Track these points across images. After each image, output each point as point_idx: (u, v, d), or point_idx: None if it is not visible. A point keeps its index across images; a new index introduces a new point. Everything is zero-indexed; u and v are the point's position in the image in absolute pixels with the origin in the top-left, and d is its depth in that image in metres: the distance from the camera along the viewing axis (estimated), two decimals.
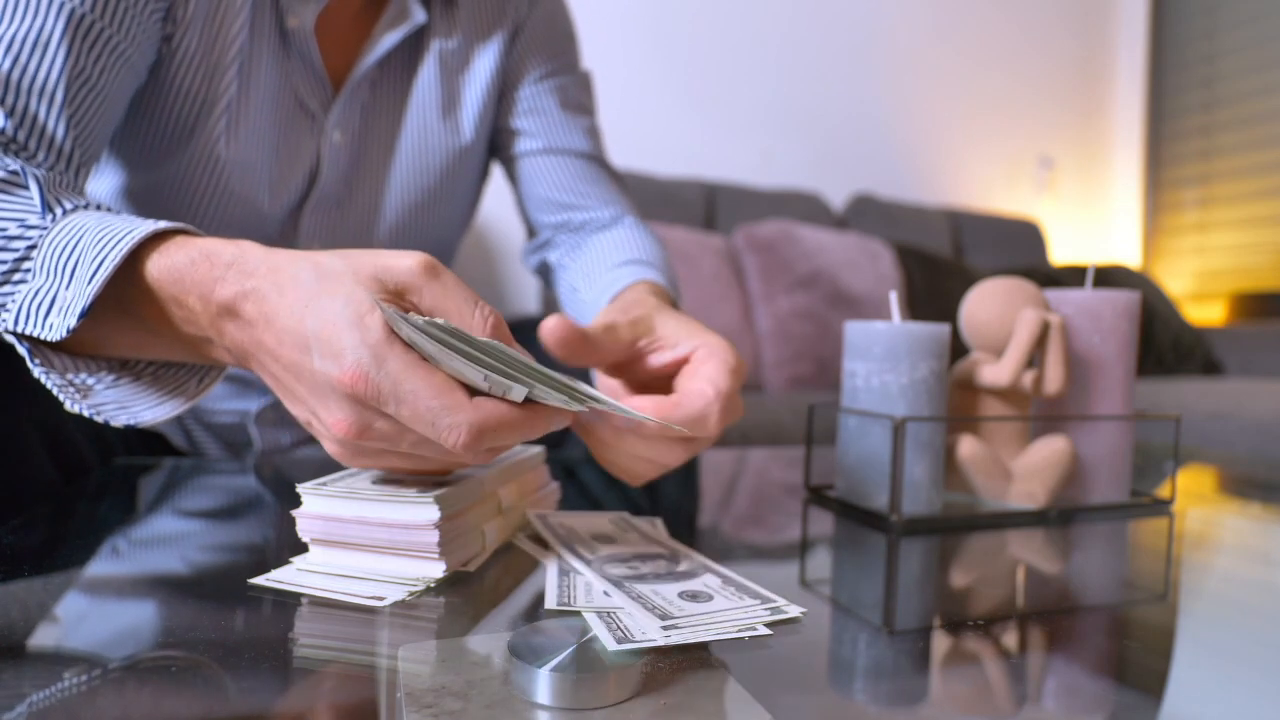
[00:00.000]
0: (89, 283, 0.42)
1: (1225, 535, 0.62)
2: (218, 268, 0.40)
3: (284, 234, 0.73)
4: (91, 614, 0.36)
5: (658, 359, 0.48)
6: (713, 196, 2.26)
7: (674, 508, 0.60)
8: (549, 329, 0.43)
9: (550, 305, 1.95)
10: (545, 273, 0.87)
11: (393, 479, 0.42)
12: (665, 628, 0.32)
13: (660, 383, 0.49)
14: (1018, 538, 0.54)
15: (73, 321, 0.42)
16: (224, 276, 0.39)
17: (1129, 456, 0.63)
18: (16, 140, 0.52)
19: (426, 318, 0.35)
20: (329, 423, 0.36)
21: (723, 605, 0.36)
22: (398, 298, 0.37)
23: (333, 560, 0.40)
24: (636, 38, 2.33)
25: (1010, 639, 0.37)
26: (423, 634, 0.34)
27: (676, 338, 0.48)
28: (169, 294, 0.42)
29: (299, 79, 0.69)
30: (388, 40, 0.71)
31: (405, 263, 0.37)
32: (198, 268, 0.41)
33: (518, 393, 0.35)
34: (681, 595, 0.36)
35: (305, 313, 0.36)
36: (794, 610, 0.36)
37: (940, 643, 0.36)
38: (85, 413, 0.45)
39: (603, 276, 0.74)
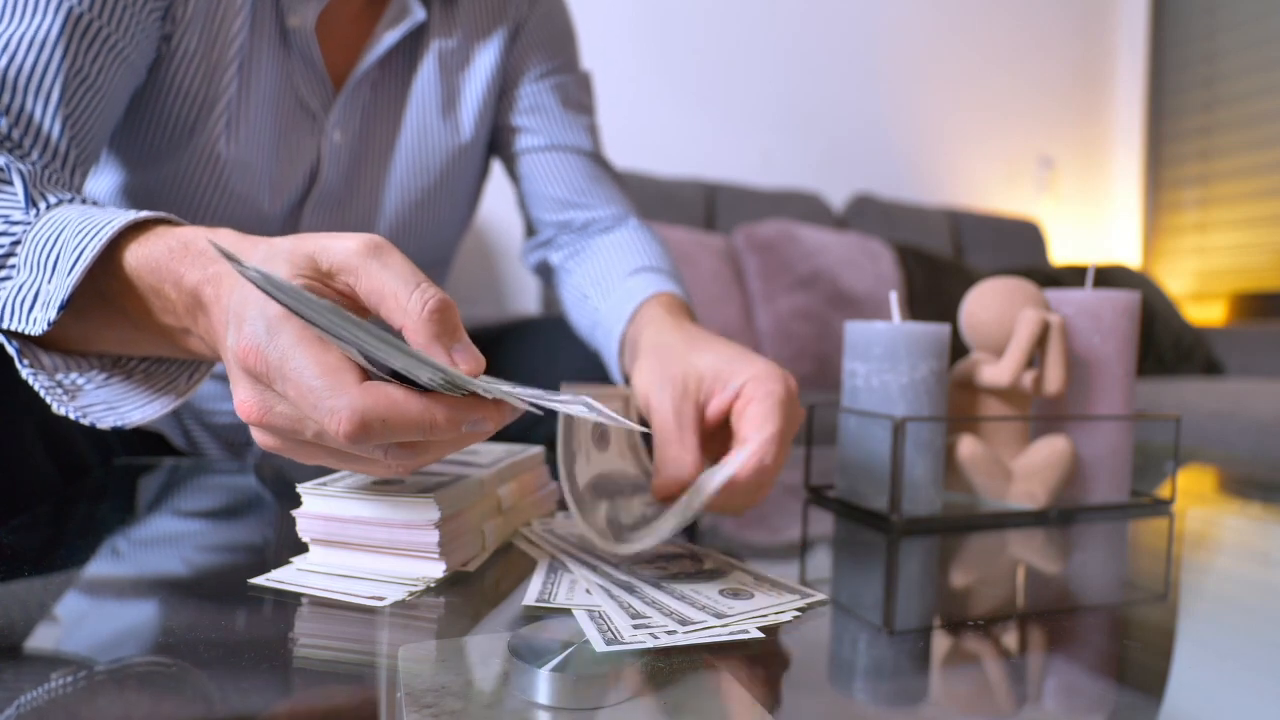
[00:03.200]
0: (68, 274, 0.41)
1: (1225, 535, 0.61)
2: (190, 255, 0.39)
3: (284, 233, 0.72)
4: (91, 614, 0.36)
5: (713, 408, 0.48)
6: (713, 196, 2.26)
7: None
8: (667, 494, 0.45)
9: (550, 305, 1.95)
10: (546, 272, 0.87)
11: (393, 479, 0.42)
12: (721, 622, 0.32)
13: (721, 428, 0.49)
14: (1018, 538, 0.54)
15: (53, 314, 0.42)
16: (194, 263, 0.39)
17: (1129, 456, 0.63)
18: (11, 138, 0.52)
19: (292, 284, 0.31)
20: (236, 404, 0.34)
21: (765, 602, 0.36)
22: (328, 278, 0.35)
23: (333, 560, 0.40)
24: (637, 38, 2.33)
25: (1010, 639, 0.37)
26: (423, 634, 0.34)
27: (719, 375, 0.48)
28: (148, 284, 0.41)
29: (299, 78, 0.69)
30: (388, 39, 0.71)
31: (345, 243, 0.34)
32: (174, 256, 0.40)
33: (397, 368, 0.30)
34: (723, 593, 0.37)
35: (238, 285, 0.35)
36: (820, 595, 0.37)
37: (940, 643, 0.36)
38: (72, 415, 0.44)
39: (617, 286, 0.73)
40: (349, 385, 0.31)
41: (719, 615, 0.34)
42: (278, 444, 0.35)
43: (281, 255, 0.35)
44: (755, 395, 0.46)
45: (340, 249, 0.34)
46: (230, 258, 0.29)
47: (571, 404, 0.34)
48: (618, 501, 0.45)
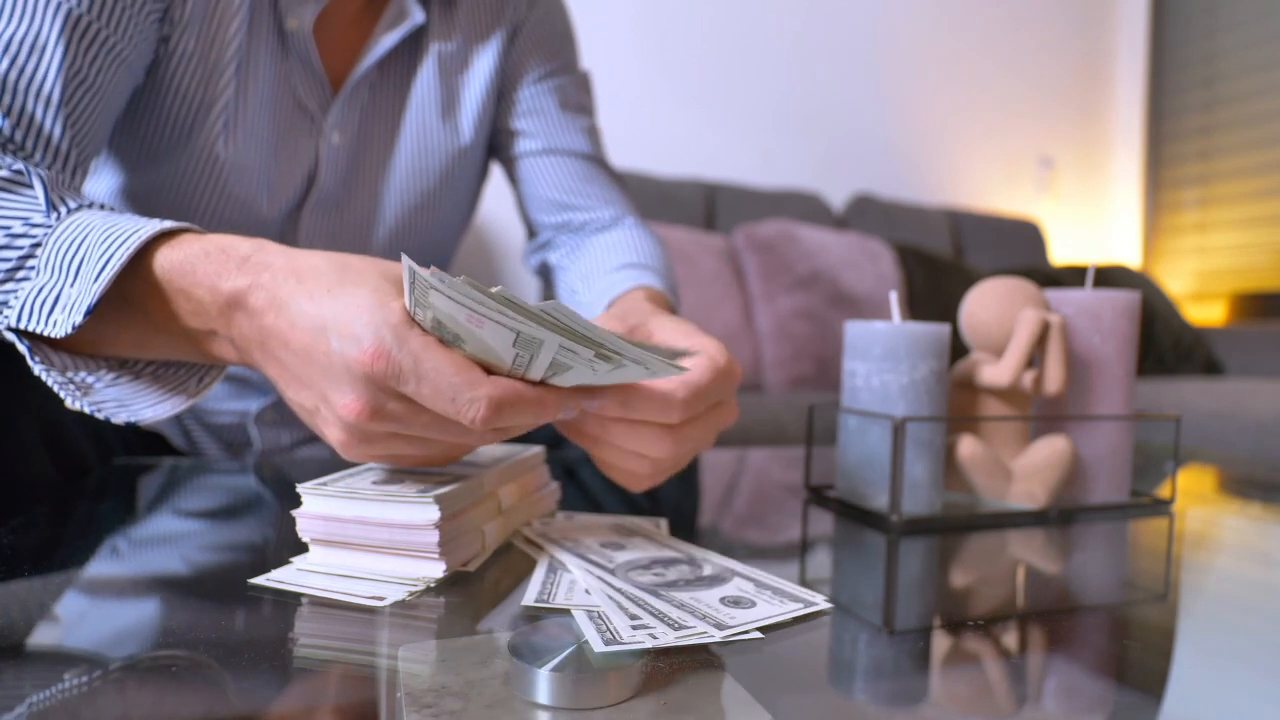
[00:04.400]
0: (95, 280, 0.42)
1: (1225, 535, 0.62)
2: (232, 260, 0.41)
3: (283, 236, 0.73)
4: (91, 614, 0.36)
5: None
6: (713, 196, 2.26)
7: (675, 508, 0.60)
8: None
9: None
10: (546, 273, 0.87)
11: (393, 479, 0.42)
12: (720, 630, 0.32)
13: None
14: (1018, 538, 0.54)
15: (78, 318, 0.42)
16: (239, 269, 0.41)
17: (1129, 456, 0.63)
18: (14, 140, 0.53)
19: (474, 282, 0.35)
20: (339, 405, 0.37)
21: (768, 611, 0.36)
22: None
23: (333, 560, 0.40)
24: (637, 38, 2.33)
25: (1010, 639, 0.37)
26: (423, 634, 0.34)
27: (670, 340, 0.48)
28: (177, 287, 0.43)
29: (298, 80, 0.69)
30: (386, 41, 0.71)
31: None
32: (211, 260, 0.42)
33: (545, 355, 0.35)
34: (724, 601, 0.36)
35: (325, 298, 0.37)
36: (822, 602, 0.37)
37: (940, 643, 0.36)
38: (86, 409, 0.45)
39: (601, 280, 0.74)
40: (482, 379, 0.36)
41: (720, 626, 0.33)
42: (359, 439, 0.38)
43: (372, 271, 0.39)
44: (704, 357, 0.45)
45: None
46: (437, 276, 0.33)
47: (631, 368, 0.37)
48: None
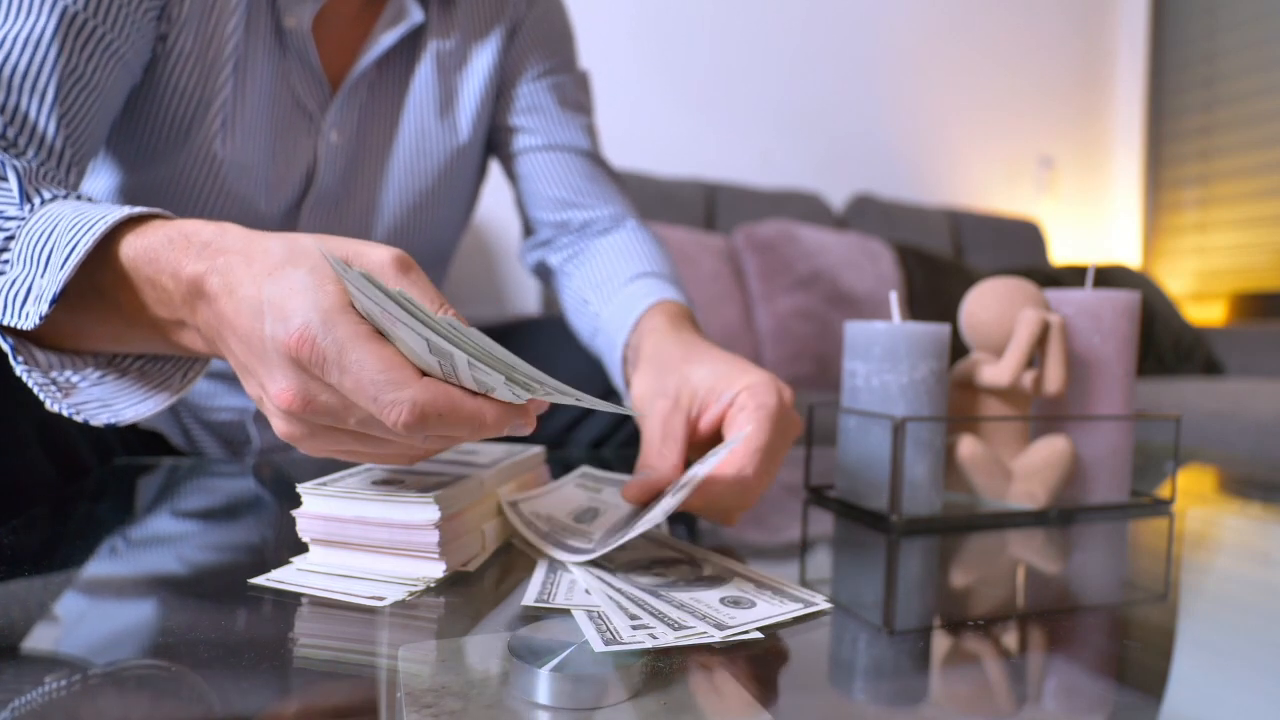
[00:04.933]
0: (61, 268, 0.41)
1: (1225, 535, 0.61)
2: (193, 246, 0.39)
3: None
4: (91, 614, 0.36)
5: (706, 422, 0.48)
6: (713, 196, 2.26)
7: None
8: (633, 497, 0.45)
9: (550, 305, 1.95)
10: (545, 273, 0.87)
11: (393, 479, 0.42)
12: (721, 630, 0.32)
13: (715, 439, 0.49)
14: (1018, 538, 0.54)
15: (45, 308, 0.41)
16: (199, 254, 0.39)
17: (1129, 456, 0.63)
18: (6, 137, 0.52)
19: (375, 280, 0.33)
20: (273, 393, 0.35)
21: (767, 611, 0.36)
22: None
23: (333, 560, 0.40)
24: (636, 38, 2.33)
25: (1010, 639, 0.37)
26: (423, 634, 0.34)
27: (716, 389, 0.48)
28: (144, 275, 0.41)
29: (296, 78, 0.69)
30: (385, 40, 0.71)
31: (378, 254, 0.36)
32: (174, 247, 0.40)
33: (462, 369, 0.33)
34: (724, 601, 0.36)
35: (266, 280, 0.35)
36: (822, 602, 0.37)
37: (940, 643, 0.36)
38: (65, 412, 0.44)
39: (617, 293, 0.73)
40: (410, 380, 0.33)
41: (720, 626, 0.33)
42: (300, 431, 0.36)
43: (316, 252, 0.35)
44: (746, 405, 0.46)
45: (374, 259, 0.36)
46: (330, 260, 0.32)
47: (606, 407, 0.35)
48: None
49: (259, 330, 0.35)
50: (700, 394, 0.49)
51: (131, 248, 0.41)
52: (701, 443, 0.49)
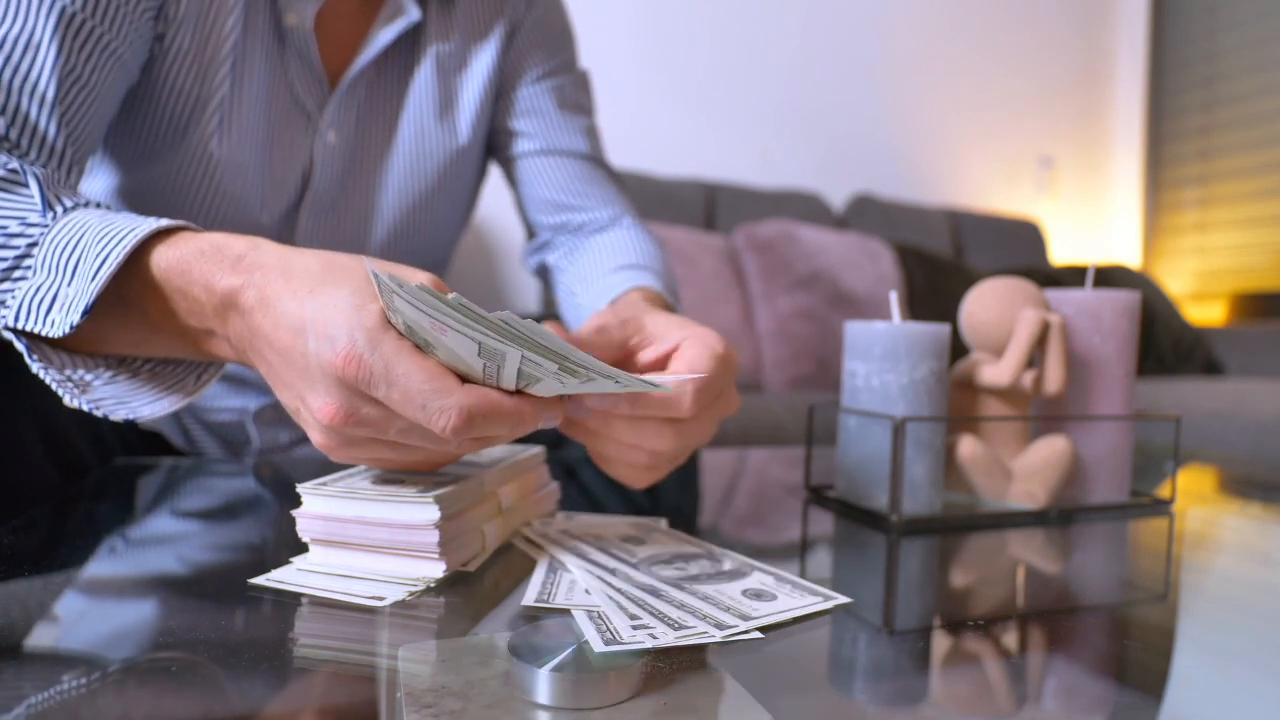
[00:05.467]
0: (92, 279, 0.42)
1: (1225, 535, 0.61)
2: (227, 259, 0.41)
3: (279, 236, 0.73)
4: (91, 614, 0.36)
5: (647, 355, 0.47)
6: (713, 196, 2.26)
7: (675, 508, 0.60)
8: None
9: (550, 306, 1.95)
10: (544, 274, 0.87)
11: (393, 479, 0.42)
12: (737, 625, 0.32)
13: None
14: (1018, 538, 0.54)
15: (76, 318, 0.42)
16: (233, 268, 0.40)
17: (1129, 456, 0.63)
18: (9, 139, 0.53)
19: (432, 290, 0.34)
20: (315, 408, 0.36)
21: (789, 604, 0.36)
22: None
23: (333, 560, 0.40)
24: (636, 38, 2.33)
25: (1010, 639, 0.37)
26: (423, 634, 0.34)
27: (665, 332, 0.47)
28: (175, 285, 0.42)
29: (295, 76, 0.69)
30: (383, 37, 0.71)
31: (417, 278, 0.38)
32: (206, 259, 0.41)
33: (511, 366, 0.35)
34: (745, 594, 0.37)
35: (307, 297, 0.37)
36: (841, 597, 0.38)
37: (940, 643, 0.36)
38: (85, 407, 0.45)
39: (599, 282, 0.74)
40: (454, 387, 0.35)
41: (744, 617, 0.34)
42: (337, 442, 0.38)
43: (357, 271, 0.37)
44: (692, 346, 0.45)
45: (416, 281, 0.37)
46: (396, 281, 0.33)
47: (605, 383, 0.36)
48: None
49: (300, 347, 0.36)
50: (646, 330, 0.48)
51: (163, 259, 0.43)
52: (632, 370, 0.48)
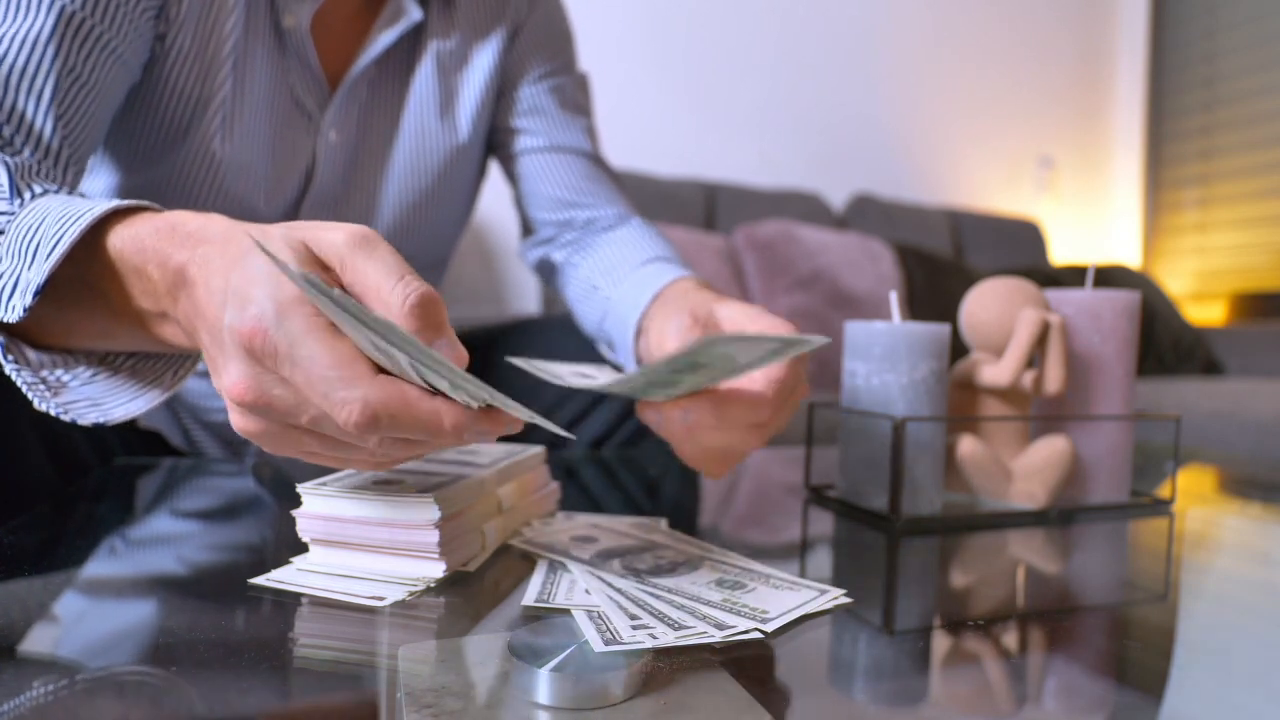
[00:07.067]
0: (46, 259, 0.41)
1: (1225, 535, 0.61)
2: (178, 236, 0.39)
3: None
4: (91, 614, 0.36)
5: None
6: (713, 196, 2.26)
7: (675, 507, 0.60)
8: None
9: (550, 305, 1.95)
10: (547, 269, 0.86)
11: (393, 479, 0.42)
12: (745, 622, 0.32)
13: None
14: (1018, 538, 0.54)
15: (29, 300, 0.41)
16: (183, 244, 0.38)
17: (1129, 456, 0.63)
18: (2, 135, 0.52)
19: (327, 283, 0.31)
20: (227, 385, 0.33)
21: (791, 601, 0.36)
22: (322, 269, 0.35)
23: (333, 560, 0.40)
24: (636, 38, 2.33)
25: (1010, 639, 0.37)
26: (423, 634, 0.34)
27: (741, 324, 0.47)
28: (131, 265, 0.40)
29: (295, 78, 0.69)
30: (384, 39, 0.71)
31: (333, 235, 0.35)
32: (160, 236, 0.39)
33: (407, 368, 0.31)
34: (745, 593, 0.37)
35: (231, 268, 0.34)
36: (842, 595, 0.38)
37: (940, 643, 0.36)
38: (53, 411, 0.44)
39: (631, 275, 0.72)
40: (362, 377, 0.31)
41: (720, 626, 0.33)
42: (258, 427, 0.35)
43: (277, 240, 0.34)
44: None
45: (329, 240, 0.34)
46: (270, 255, 0.30)
47: (584, 379, 0.35)
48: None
49: (221, 320, 0.34)
50: (724, 324, 0.48)
51: (119, 238, 0.41)
52: None
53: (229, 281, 0.34)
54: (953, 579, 0.47)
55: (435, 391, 0.32)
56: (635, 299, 0.68)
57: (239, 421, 0.35)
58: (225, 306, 0.33)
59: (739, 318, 0.48)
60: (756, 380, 0.43)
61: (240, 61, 0.66)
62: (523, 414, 0.33)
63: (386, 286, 0.33)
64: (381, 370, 0.32)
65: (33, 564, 0.42)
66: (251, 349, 0.32)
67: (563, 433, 0.35)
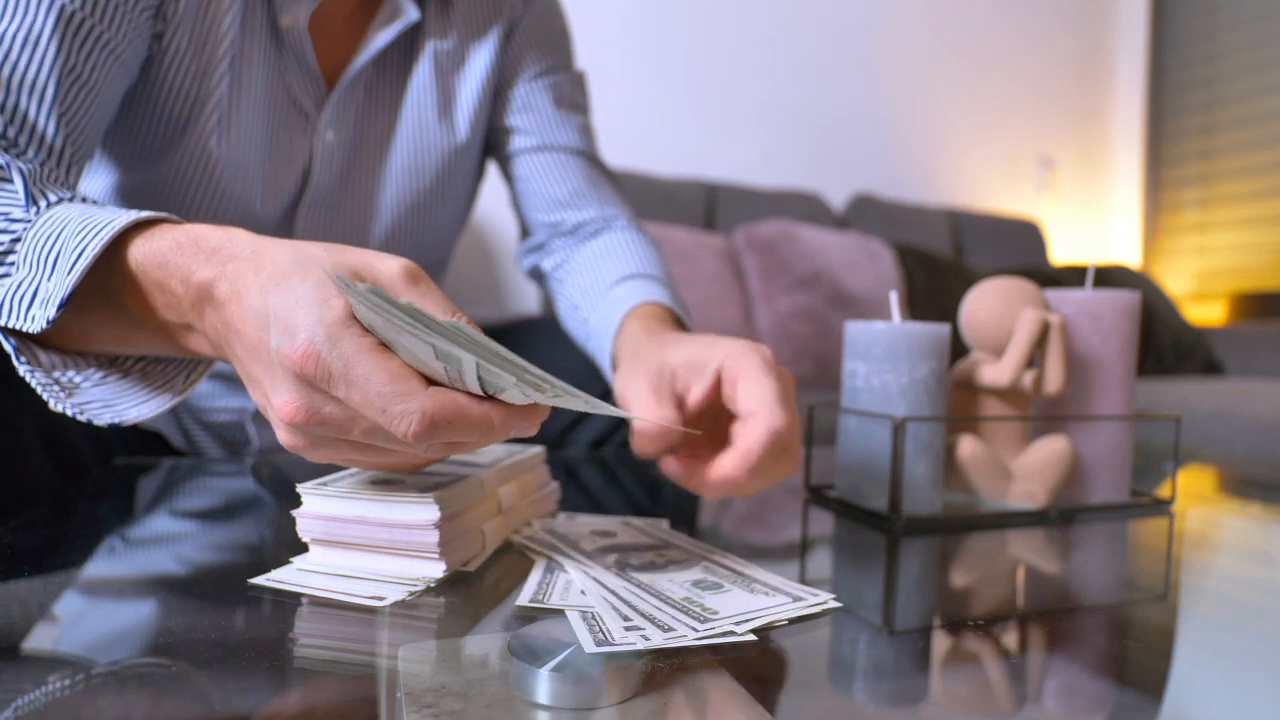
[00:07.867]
0: (69, 273, 0.41)
1: (1225, 535, 0.61)
2: (202, 251, 0.39)
3: (278, 233, 0.73)
4: (91, 614, 0.36)
5: (694, 397, 0.47)
6: (713, 196, 2.26)
7: (675, 508, 0.60)
8: (644, 448, 0.45)
9: (549, 307, 1.95)
10: (539, 277, 0.87)
11: (393, 479, 0.42)
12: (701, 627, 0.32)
13: (710, 413, 0.48)
14: (1018, 538, 0.54)
15: (52, 312, 0.42)
16: (208, 260, 0.39)
17: (1129, 456, 0.63)
18: (6, 137, 0.52)
19: (382, 293, 0.34)
20: (277, 405, 0.35)
21: (772, 603, 0.36)
22: None
23: (333, 560, 0.40)
24: (636, 37, 2.33)
25: (1010, 639, 0.37)
26: (423, 634, 0.34)
27: (695, 364, 0.47)
28: (153, 279, 0.41)
29: (292, 77, 0.69)
30: (381, 39, 0.71)
31: (388, 265, 0.37)
32: (183, 251, 0.40)
33: (469, 372, 0.33)
34: (728, 597, 0.37)
35: (273, 290, 0.35)
36: (830, 599, 0.37)
37: (940, 643, 0.36)
38: (69, 412, 0.44)
39: (604, 297, 0.73)
40: (416, 390, 0.33)
41: (714, 624, 0.33)
42: (304, 442, 0.36)
43: (325, 263, 0.36)
44: (739, 371, 0.45)
45: (384, 270, 0.37)
46: (336, 278, 0.32)
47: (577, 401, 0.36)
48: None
49: (265, 342, 0.35)
50: (681, 372, 0.48)
51: (140, 252, 0.42)
52: (695, 417, 0.48)
53: (268, 304, 0.35)
54: (953, 579, 0.47)
55: (484, 395, 0.34)
56: (606, 325, 0.69)
57: (288, 439, 0.36)
58: (267, 329, 0.35)
59: (685, 357, 0.48)
60: (759, 419, 0.43)
61: (237, 61, 0.66)
62: (581, 402, 0.35)
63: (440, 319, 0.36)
64: (431, 382, 0.34)
65: (33, 564, 0.42)
66: (304, 373, 0.33)
67: (623, 414, 0.38)
